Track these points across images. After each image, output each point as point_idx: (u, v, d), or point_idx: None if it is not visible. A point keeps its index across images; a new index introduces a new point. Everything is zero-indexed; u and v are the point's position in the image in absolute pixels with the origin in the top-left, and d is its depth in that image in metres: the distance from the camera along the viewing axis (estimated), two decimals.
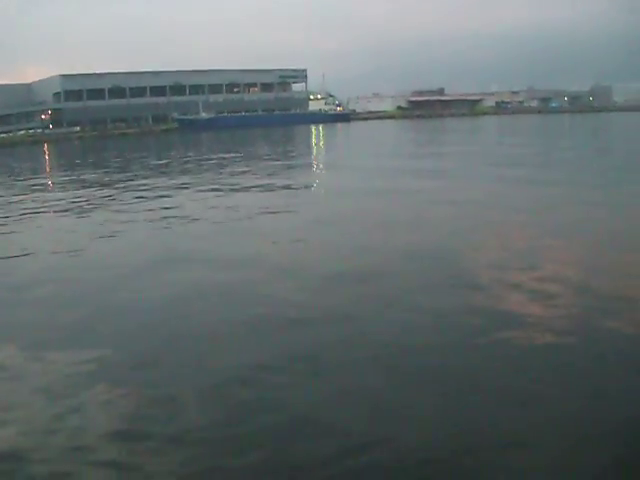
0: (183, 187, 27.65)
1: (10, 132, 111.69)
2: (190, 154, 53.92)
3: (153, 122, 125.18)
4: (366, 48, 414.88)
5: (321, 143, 70.23)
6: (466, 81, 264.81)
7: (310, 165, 40.90)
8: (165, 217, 19.46)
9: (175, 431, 6.23)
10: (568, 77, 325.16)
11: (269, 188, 25.86)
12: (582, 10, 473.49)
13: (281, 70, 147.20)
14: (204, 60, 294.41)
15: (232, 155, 49.07)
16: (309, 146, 63.21)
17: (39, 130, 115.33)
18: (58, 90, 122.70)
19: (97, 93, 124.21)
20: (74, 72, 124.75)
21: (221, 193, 24.81)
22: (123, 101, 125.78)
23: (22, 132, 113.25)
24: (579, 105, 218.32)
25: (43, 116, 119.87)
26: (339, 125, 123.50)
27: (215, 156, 48.33)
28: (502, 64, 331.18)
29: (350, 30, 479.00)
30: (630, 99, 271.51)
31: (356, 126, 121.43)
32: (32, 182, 35.12)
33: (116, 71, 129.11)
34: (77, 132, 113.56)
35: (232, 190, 25.47)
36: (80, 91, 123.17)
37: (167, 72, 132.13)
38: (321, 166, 40.15)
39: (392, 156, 42.86)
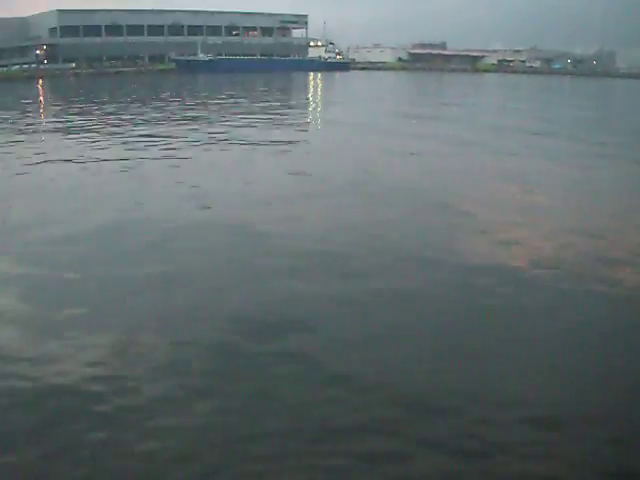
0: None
1: (5, 67, 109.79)
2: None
3: (150, 61, 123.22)
4: None
5: (319, 94, 69.76)
6: (469, 37, 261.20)
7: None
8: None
9: None
10: (572, 39, 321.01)
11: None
12: None
13: (282, 15, 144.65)
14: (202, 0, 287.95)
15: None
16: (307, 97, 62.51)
17: (33, 65, 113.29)
18: (54, 25, 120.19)
19: (94, 30, 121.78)
20: (71, 7, 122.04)
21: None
22: (120, 39, 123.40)
23: (16, 67, 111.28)
24: (582, 68, 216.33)
25: (38, 51, 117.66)
26: (337, 74, 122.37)
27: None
28: (506, 22, 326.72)
29: None
30: (633, 65, 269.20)
31: (355, 75, 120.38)
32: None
33: (113, 8, 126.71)
34: (72, 69, 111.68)
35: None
36: (77, 27, 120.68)
37: (166, 11, 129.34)
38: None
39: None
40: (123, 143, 23.12)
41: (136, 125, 28.94)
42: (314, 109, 44.26)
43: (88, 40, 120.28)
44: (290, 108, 41.69)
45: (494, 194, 15.04)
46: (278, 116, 33.90)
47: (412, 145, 23.41)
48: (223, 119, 32.04)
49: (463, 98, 57.62)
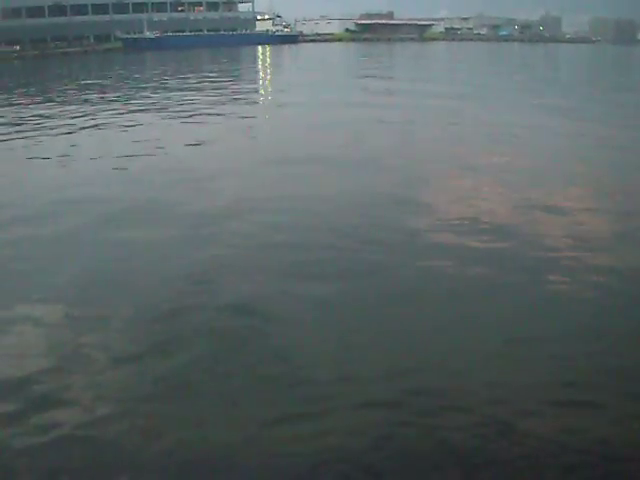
0: None
1: None
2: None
3: (95, 41, 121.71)
4: None
5: (268, 70, 70.10)
6: (415, 5, 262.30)
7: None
8: None
9: None
10: (518, 5, 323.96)
11: None
12: None
13: None
14: None
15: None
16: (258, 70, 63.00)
17: None
18: None
19: (37, 11, 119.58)
20: None
21: None
22: (64, 19, 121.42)
23: None
24: (529, 34, 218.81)
25: None
26: (286, 47, 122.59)
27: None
28: None
29: None
30: (579, 30, 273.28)
31: (304, 48, 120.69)
32: None
33: None
34: (16, 51, 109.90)
35: None
36: (19, 9, 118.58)
37: None
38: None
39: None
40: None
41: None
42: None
43: (31, 22, 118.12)
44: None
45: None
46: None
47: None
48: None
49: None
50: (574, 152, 16.72)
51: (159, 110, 25.75)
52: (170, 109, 26.34)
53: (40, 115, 25.00)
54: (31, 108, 27.60)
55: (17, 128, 21.79)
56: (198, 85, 37.73)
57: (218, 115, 24.33)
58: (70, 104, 29.09)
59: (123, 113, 25.20)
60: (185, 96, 31.43)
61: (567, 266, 8.55)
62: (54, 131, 21.03)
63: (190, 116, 24.05)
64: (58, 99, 31.75)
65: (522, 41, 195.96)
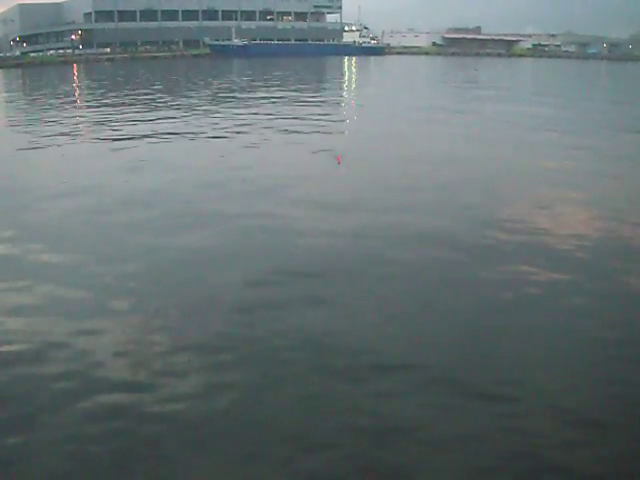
0: None
1: (40, 52, 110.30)
2: None
3: (184, 46, 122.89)
4: None
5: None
6: (502, 22, 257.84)
7: None
8: None
9: None
10: (607, 24, 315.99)
11: None
12: None
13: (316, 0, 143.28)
14: None
15: None
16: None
17: (69, 50, 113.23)
18: (89, 10, 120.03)
19: (128, 15, 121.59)
20: None
21: None
22: (154, 24, 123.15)
23: (52, 52, 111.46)
24: (618, 53, 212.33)
25: (73, 36, 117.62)
26: (372, 58, 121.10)
27: None
28: (539, 6, 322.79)
29: None
30: None
31: (392, 60, 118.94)
32: None
33: None
34: (107, 54, 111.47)
35: None
36: (111, 12, 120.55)
37: None
38: None
39: None
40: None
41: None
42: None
43: (123, 25, 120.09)
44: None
45: None
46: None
47: None
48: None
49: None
50: None
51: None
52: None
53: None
54: None
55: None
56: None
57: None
58: None
59: None
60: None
61: None
62: None
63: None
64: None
65: (610, 59, 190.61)
